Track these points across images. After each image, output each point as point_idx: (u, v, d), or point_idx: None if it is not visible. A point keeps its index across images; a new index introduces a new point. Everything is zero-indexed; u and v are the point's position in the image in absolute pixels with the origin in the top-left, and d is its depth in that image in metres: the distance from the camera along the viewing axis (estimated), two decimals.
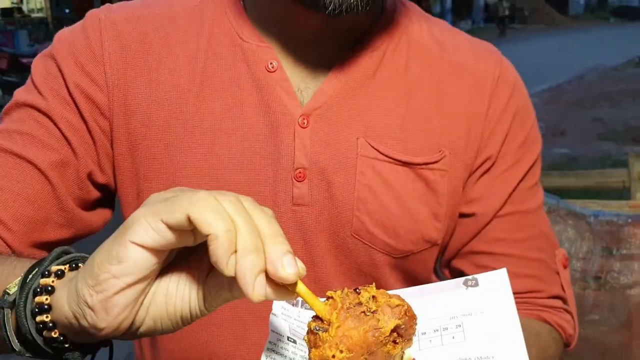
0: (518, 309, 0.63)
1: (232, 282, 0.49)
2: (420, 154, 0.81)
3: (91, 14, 0.82)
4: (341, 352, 0.50)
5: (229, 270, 0.46)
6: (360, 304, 0.51)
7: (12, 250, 0.76)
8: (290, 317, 0.66)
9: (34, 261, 0.59)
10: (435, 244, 0.84)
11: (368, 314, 0.51)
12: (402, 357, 0.55)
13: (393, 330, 0.52)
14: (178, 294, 0.52)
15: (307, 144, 0.78)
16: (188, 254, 0.53)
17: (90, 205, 0.83)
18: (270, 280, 0.48)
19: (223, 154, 0.78)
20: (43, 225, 0.78)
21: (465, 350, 0.60)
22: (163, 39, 0.81)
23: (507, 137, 0.84)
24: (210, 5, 0.83)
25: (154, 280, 0.52)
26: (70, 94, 0.78)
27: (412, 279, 0.86)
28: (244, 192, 0.78)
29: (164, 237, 0.47)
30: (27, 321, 0.54)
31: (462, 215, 0.86)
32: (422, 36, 0.85)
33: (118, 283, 0.48)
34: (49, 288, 0.54)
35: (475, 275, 0.64)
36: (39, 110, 0.78)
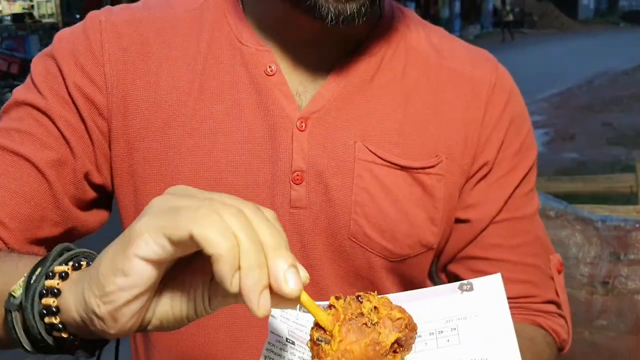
0: (513, 314, 0.64)
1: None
2: (417, 159, 0.81)
3: (92, 15, 0.83)
4: None
5: (233, 288, 0.46)
6: (362, 314, 0.52)
7: (8, 247, 0.76)
8: (289, 320, 0.66)
9: (35, 259, 0.59)
10: (431, 248, 0.85)
11: (370, 326, 0.52)
12: None
13: (394, 342, 0.53)
14: (183, 297, 0.53)
15: (305, 147, 0.79)
16: (192, 258, 0.53)
17: (86, 205, 0.83)
18: (274, 291, 0.48)
19: (221, 156, 0.79)
20: (39, 223, 0.78)
21: (460, 353, 0.61)
22: (163, 42, 0.81)
23: (503, 143, 0.85)
24: (211, 9, 0.83)
25: (160, 285, 0.52)
26: (69, 94, 0.79)
27: (408, 283, 0.86)
28: (241, 194, 0.78)
29: (167, 251, 0.47)
30: (36, 323, 0.55)
31: (459, 221, 0.86)
32: (420, 43, 0.86)
33: (125, 295, 0.49)
34: (55, 291, 0.54)
35: (470, 280, 0.65)
36: (38, 109, 0.79)
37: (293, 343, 0.65)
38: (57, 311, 0.54)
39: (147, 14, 0.83)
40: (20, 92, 0.81)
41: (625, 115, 9.34)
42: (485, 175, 0.85)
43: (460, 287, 0.65)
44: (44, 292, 0.54)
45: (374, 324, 0.52)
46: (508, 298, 0.64)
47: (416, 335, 0.55)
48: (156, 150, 0.79)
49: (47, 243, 0.80)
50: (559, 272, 0.90)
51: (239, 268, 0.46)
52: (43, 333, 0.55)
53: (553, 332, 0.88)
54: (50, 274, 0.55)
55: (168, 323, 0.53)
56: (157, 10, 0.84)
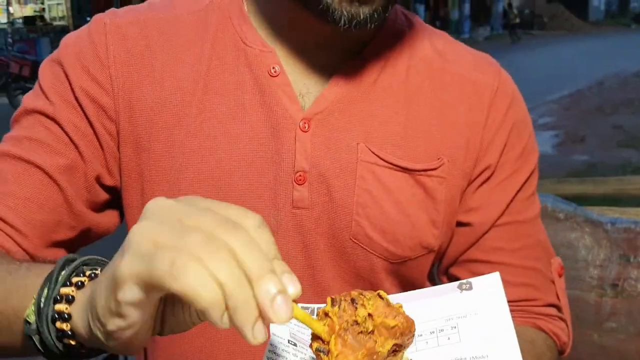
0: (513, 317, 0.65)
1: None
2: (419, 161, 0.82)
3: (96, 18, 0.83)
4: None
5: (224, 325, 0.44)
6: (356, 322, 0.52)
7: (27, 253, 0.77)
8: (290, 323, 0.66)
9: (42, 273, 0.60)
10: (432, 250, 0.85)
11: (366, 334, 0.52)
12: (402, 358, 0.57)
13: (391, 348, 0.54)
14: (185, 311, 0.53)
15: (307, 147, 0.79)
16: None
17: (100, 207, 0.84)
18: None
19: (225, 157, 0.79)
20: (55, 228, 0.79)
21: (460, 351, 0.62)
22: (168, 43, 0.82)
23: (505, 147, 0.85)
24: (216, 10, 0.84)
25: (160, 305, 0.52)
26: (76, 99, 0.79)
27: (408, 285, 0.86)
28: (244, 194, 0.79)
29: (152, 295, 0.46)
30: (55, 343, 0.57)
31: (460, 224, 0.87)
32: (424, 47, 0.86)
33: (126, 333, 0.49)
34: (65, 316, 0.55)
35: (469, 279, 0.66)
36: (46, 115, 0.80)
37: (295, 345, 0.66)
38: (72, 334, 0.56)
39: (151, 16, 0.84)
40: (29, 99, 0.82)
41: (636, 117, 9.27)
42: (487, 179, 0.86)
43: (460, 287, 0.66)
44: (56, 316, 0.56)
45: (369, 333, 0.52)
46: (509, 301, 0.65)
47: (415, 332, 0.56)
48: (161, 151, 0.80)
49: (65, 246, 0.82)
50: (560, 275, 0.90)
51: (227, 308, 0.43)
52: (63, 349, 0.57)
53: (554, 335, 0.88)
54: (59, 297, 0.56)
55: (177, 330, 0.54)
56: (162, 11, 0.84)
